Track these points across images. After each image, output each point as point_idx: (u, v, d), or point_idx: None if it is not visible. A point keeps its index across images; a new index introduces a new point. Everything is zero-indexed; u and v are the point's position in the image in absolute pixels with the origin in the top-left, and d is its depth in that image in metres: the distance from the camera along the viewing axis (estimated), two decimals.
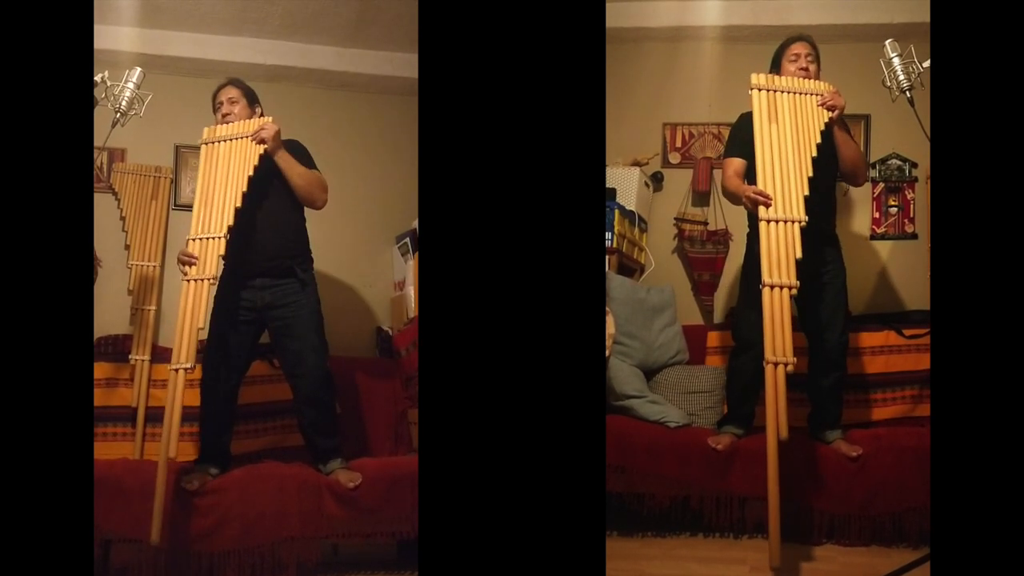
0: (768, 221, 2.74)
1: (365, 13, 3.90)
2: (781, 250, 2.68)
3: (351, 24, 3.99)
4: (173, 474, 2.92)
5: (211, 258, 2.89)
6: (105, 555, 2.86)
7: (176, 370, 2.74)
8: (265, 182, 3.06)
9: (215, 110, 3.24)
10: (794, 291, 2.64)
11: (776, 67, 3.13)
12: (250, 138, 3.04)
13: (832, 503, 2.95)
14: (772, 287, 2.64)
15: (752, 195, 2.79)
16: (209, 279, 2.87)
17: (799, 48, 3.12)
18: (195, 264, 2.89)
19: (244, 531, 2.85)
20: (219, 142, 3.09)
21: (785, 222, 2.73)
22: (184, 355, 2.74)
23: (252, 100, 3.25)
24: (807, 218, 2.73)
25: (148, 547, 2.77)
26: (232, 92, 3.22)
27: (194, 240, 2.94)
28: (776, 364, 2.54)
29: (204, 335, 2.92)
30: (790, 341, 2.57)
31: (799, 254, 2.67)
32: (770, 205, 2.75)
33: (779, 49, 3.18)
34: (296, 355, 3.10)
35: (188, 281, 2.88)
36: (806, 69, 3.07)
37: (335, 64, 4.19)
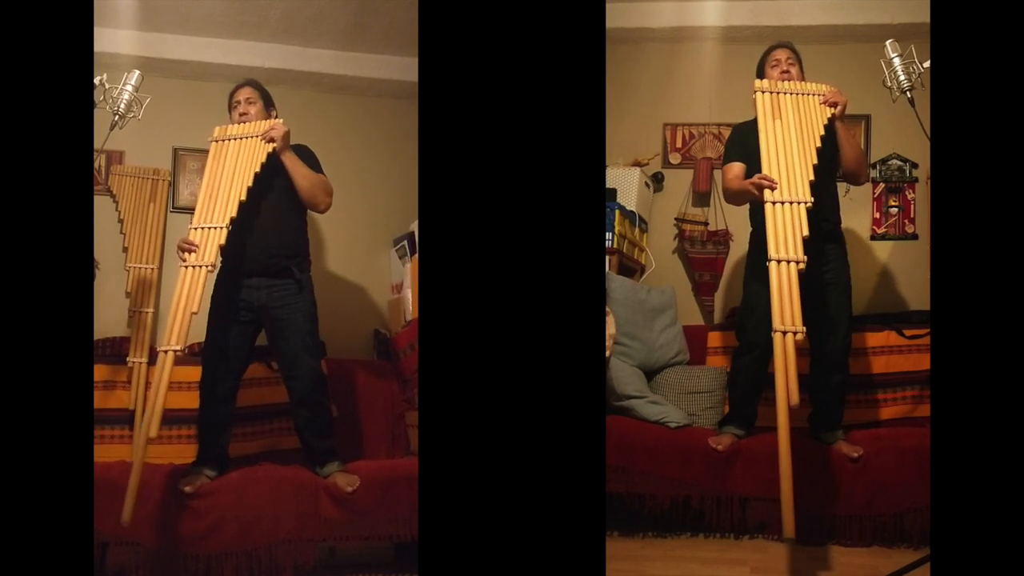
0: (774, 203, 2.74)
1: (363, 16, 3.90)
2: (788, 228, 2.68)
3: (349, 27, 3.99)
4: (169, 476, 2.93)
5: (211, 246, 2.89)
6: (102, 556, 2.86)
7: (165, 352, 2.71)
8: (270, 182, 3.08)
9: (231, 109, 3.27)
10: (802, 265, 2.61)
11: (760, 75, 3.16)
12: (260, 137, 3.08)
13: (834, 504, 2.94)
14: (779, 261, 2.62)
15: (757, 180, 2.79)
16: (207, 266, 2.87)
17: (779, 54, 3.17)
18: (194, 251, 2.89)
19: (241, 533, 2.84)
20: (229, 140, 3.12)
21: (791, 203, 2.73)
22: (175, 337, 2.72)
23: (268, 102, 3.30)
24: (812, 199, 2.72)
25: (144, 549, 2.77)
26: (249, 92, 3.27)
27: (195, 229, 2.95)
28: (785, 333, 2.52)
29: (198, 320, 2.90)
30: (799, 310, 2.53)
31: (806, 232, 2.66)
32: (775, 188, 2.75)
33: (761, 58, 3.22)
34: (291, 357, 3.10)
35: (186, 267, 2.88)
36: (787, 72, 3.10)
37: (333, 67, 4.18)
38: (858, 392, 3.50)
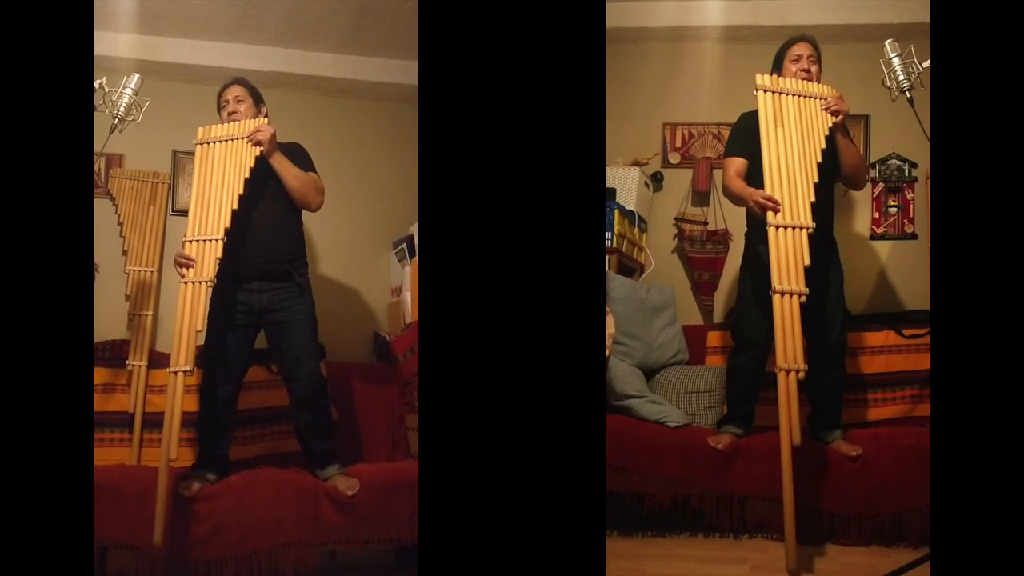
0: (777, 227, 2.74)
1: (362, 20, 3.90)
2: (790, 257, 2.69)
3: (349, 31, 3.99)
4: (171, 479, 2.92)
5: (208, 261, 2.88)
6: (102, 560, 2.85)
7: (175, 373, 2.72)
8: (262, 185, 3.06)
9: (220, 108, 3.22)
10: (803, 298, 2.63)
11: (778, 67, 3.12)
12: (246, 139, 3.03)
13: (832, 503, 2.94)
14: (782, 294, 2.64)
15: (761, 200, 2.79)
16: (206, 282, 2.86)
17: (801, 49, 3.11)
18: (192, 266, 2.88)
19: (241, 537, 2.83)
20: (215, 143, 3.07)
21: (794, 228, 2.74)
22: (183, 358, 2.73)
23: (257, 100, 3.25)
24: (814, 224, 2.73)
25: (144, 553, 2.76)
26: (238, 91, 3.22)
27: (191, 242, 2.92)
28: (788, 371, 2.53)
29: (203, 338, 2.90)
30: (800, 348, 2.58)
31: (807, 261, 2.68)
32: (779, 211, 2.75)
33: (781, 49, 3.17)
34: (292, 359, 3.09)
35: (186, 284, 2.87)
36: (808, 71, 3.06)
37: (333, 70, 4.19)
38: (857, 391, 3.51)
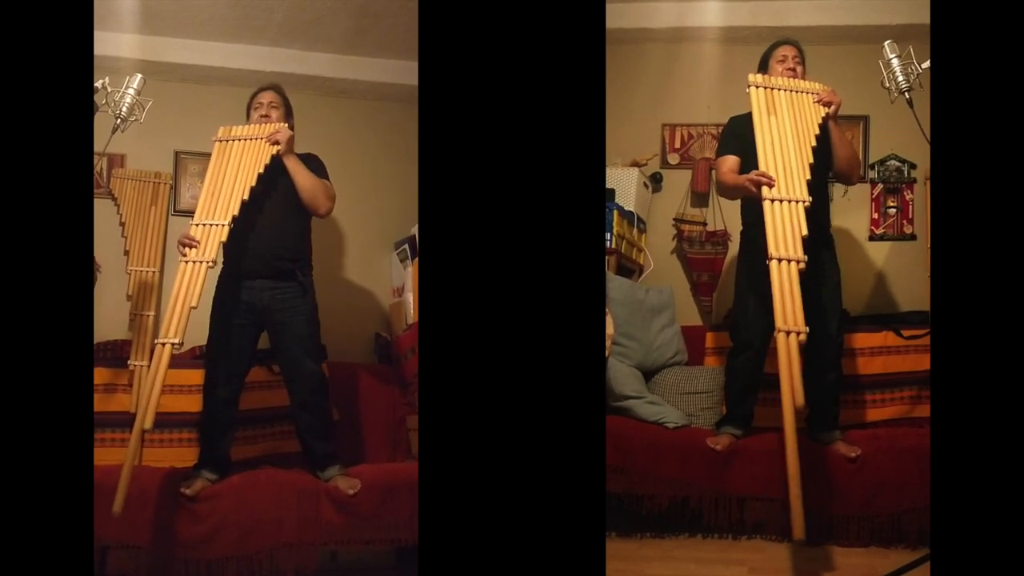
0: (772, 200, 2.73)
1: (363, 20, 3.91)
2: (787, 226, 2.67)
3: (349, 32, 4.00)
4: (169, 480, 2.93)
5: (212, 243, 2.88)
6: (102, 561, 2.85)
7: (163, 344, 2.68)
8: (273, 185, 3.08)
9: (251, 110, 3.26)
10: (801, 265, 2.59)
11: (763, 69, 3.16)
12: (264, 139, 3.07)
13: (831, 503, 2.93)
14: (780, 260, 2.61)
15: (754, 177, 2.78)
16: (207, 262, 2.85)
17: (786, 51, 3.16)
18: (195, 247, 2.87)
19: (241, 537, 2.84)
20: (233, 141, 3.11)
21: (789, 201, 2.72)
22: (173, 330, 2.70)
23: (288, 111, 3.28)
24: (810, 199, 2.72)
25: (144, 553, 2.76)
26: (272, 97, 3.26)
27: (197, 226, 2.93)
28: (788, 333, 2.51)
29: (198, 324, 2.88)
30: (800, 310, 2.52)
31: (804, 231, 2.65)
32: (773, 185, 2.74)
33: (766, 52, 3.22)
34: (293, 360, 3.10)
35: (186, 263, 2.85)
36: (793, 70, 3.10)
37: (333, 71, 4.20)
38: (856, 392, 3.51)
